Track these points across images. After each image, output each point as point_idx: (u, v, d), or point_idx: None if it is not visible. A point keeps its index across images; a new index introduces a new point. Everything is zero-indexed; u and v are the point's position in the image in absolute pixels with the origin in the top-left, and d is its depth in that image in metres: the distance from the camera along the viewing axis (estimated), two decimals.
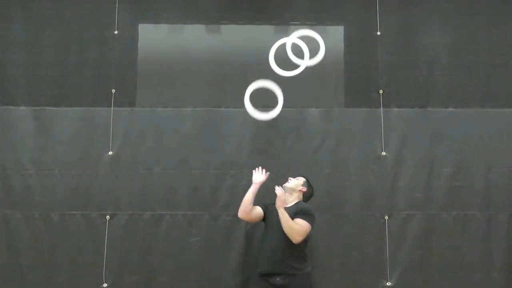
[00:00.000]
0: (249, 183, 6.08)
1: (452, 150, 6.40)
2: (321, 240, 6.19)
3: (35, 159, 6.28)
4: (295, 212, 5.60)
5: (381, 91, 6.48)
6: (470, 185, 6.33)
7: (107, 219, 6.19)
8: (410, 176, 6.34)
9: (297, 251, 5.53)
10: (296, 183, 5.85)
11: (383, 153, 6.38)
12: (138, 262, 6.12)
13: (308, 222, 5.54)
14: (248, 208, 5.70)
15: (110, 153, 6.32)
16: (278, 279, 5.48)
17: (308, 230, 5.54)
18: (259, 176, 5.84)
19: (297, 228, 5.48)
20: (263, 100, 6.06)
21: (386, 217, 6.25)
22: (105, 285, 6.08)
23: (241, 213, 5.72)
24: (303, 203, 5.78)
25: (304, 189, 5.84)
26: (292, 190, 5.83)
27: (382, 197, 6.29)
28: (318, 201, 6.19)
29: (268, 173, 5.87)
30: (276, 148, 6.37)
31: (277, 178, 6.00)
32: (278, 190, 5.61)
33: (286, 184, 5.86)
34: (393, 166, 6.35)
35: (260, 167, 5.89)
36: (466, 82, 6.52)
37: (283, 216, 5.50)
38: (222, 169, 6.29)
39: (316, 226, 6.09)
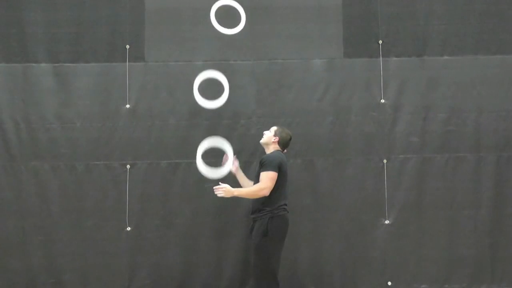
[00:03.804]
0: (258, 131, 6.61)
1: (446, 97, 6.80)
2: (324, 183, 6.69)
3: (58, 113, 6.70)
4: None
5: (380, 42, 6.82)
6: (462, 129, 6.77)
7: (128, 168, 6.66)
8: (407, 121, 6.77)
9: (261, 200, 5.94)
10: (268, 136, 6.22)
11: (382, 101, 6.78)
12: (157, 207, 6.65)
13: (265, 170, 5.92)
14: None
15: (128, 106, 6.72)
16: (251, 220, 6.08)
17: (270, 176, 5.89)
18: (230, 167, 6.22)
19: (256, 189, 5.92)
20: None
21: (385, 161, 6.72)
22: (128, 228, 6.62)
23: None
24: (268, 154, 6.11)
25: (276, 139, 6.17)
26: (266, 144, 6.23)
27: (381, 142, 6.75)
28: (322, 147, 6.72)
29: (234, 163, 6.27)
30: (282, 98, 6.77)
31: (283, 125, 6.43)
32: (219, 193, 5.93)
33: (261, 140, 6.27)
34: (391, 112, 6.78)
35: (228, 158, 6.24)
36: (460, 31, 6.85)
37: (240, 195, 5.95)
38: (232, 119, 6.71)
39: (321, 170, 6.69)
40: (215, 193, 5.92)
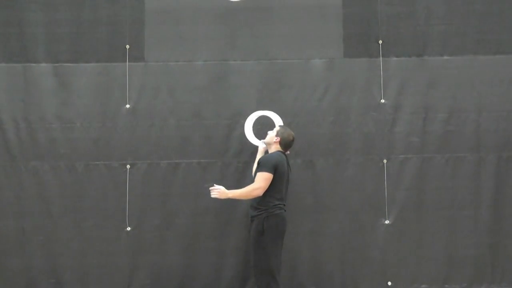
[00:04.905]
0: (258, 131, 6.64)
1: (446, 96, 6.80)
2: (325, 183, 6.70)
3: (58, 114, 6.70)
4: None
5: (380, 42, 6.83)
6: (462, 129, 6.76)
7: (128, 168, 6.67)
8: (407, 121, 6.77)
9: (257, 200, 6.01)
10: (270, 136, 6.28)
11: (382, 101, 6.78)
12: (157, 207, 6.65)
13: (260, 171, 5.98)
14: (255, 171, 6.30)
15: (127, 106, 6.72)
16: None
17: (264, 177, 5.95)
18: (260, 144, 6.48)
19: (249, 189, 5.99)
20: None
21: (385, 161, 6.73)
22: (128, 228, 6.63)
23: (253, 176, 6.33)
24: (267, 155, 6.20)
25: (278, 139, 6.21)
26: (269, 144, 6.29)
27: (381, 142, 6.75)
28: (322, 147, 6.72)
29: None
30: (282, 98, 6.77)
31: (284, 126, 6.47)
32: (213, 194, 6.02)
33: (264, 140, 6.36)
34: (391, 112, 6.78)
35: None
36: (460, 31, 6.84)
37: (234, 196, 6.03)
38: (232, 119, 6.72)
39: (321, 170, 6.69)
40: (211, 194, 5.97)
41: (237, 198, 6.09)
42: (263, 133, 6.51)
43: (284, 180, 6.08)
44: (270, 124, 6.61)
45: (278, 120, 6.63)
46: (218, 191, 5.96)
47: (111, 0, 6.78)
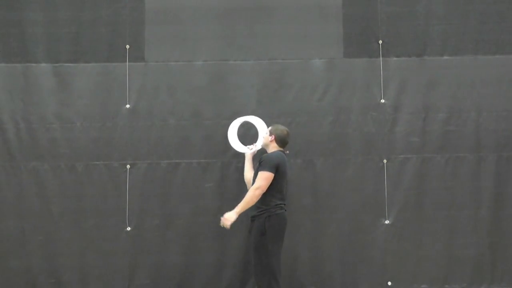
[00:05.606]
0: (258, 131, 6.58)
1: (446, 97, 6.81)
2: (324, 183, 6.71)
3: (58, 114, 6.71)
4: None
5: (380, 42, 6.83)
6: (462, 129, 6.77)
7: (128, 168, 6.67)
8: (407, 121, 6.78)
9: (259, 200, 5.98)
10: (265, 137, 6.30)
11: (382, 101, 6.79)
12: (157, 207, 6.65)
13: (261, 170, 5.98)
14: (247, 178, 6.39)
15: (127, 106, 6.73)
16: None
17: (264, 176, 5.94)
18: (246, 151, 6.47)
19: (250, 193, 5.95)
20: None
21: (385, 161, 6.73)
22: (128, 228, 6.63)
23: (246, 184, 6.40)
24: (268, 154, 6.17)
25: (272, 137, 6.22)
26: (266, 146, 6.29)
27: (381, 142, 6.75)
28: (322, 147, 6.72)
29: (251, 146, 6.47)
30: (282, 98, 6.78)
31: (284, 126, 6.41)
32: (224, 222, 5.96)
33: (261, 144, 6.38)
34: (391, 112, 6.79)
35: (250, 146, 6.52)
36: (460, 31, 6.86)
37: (242, 209, 5.93)
38: (232, 118, 6.68)
39: (321, 170, 6.69)
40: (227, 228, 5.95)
41: (245, 208, 5.97)
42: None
43: (285, 179, 6.09)
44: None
45: (261, 125, 6.53)
46: (225, 219, 5.90)
47: (111, 0, 6.79)
